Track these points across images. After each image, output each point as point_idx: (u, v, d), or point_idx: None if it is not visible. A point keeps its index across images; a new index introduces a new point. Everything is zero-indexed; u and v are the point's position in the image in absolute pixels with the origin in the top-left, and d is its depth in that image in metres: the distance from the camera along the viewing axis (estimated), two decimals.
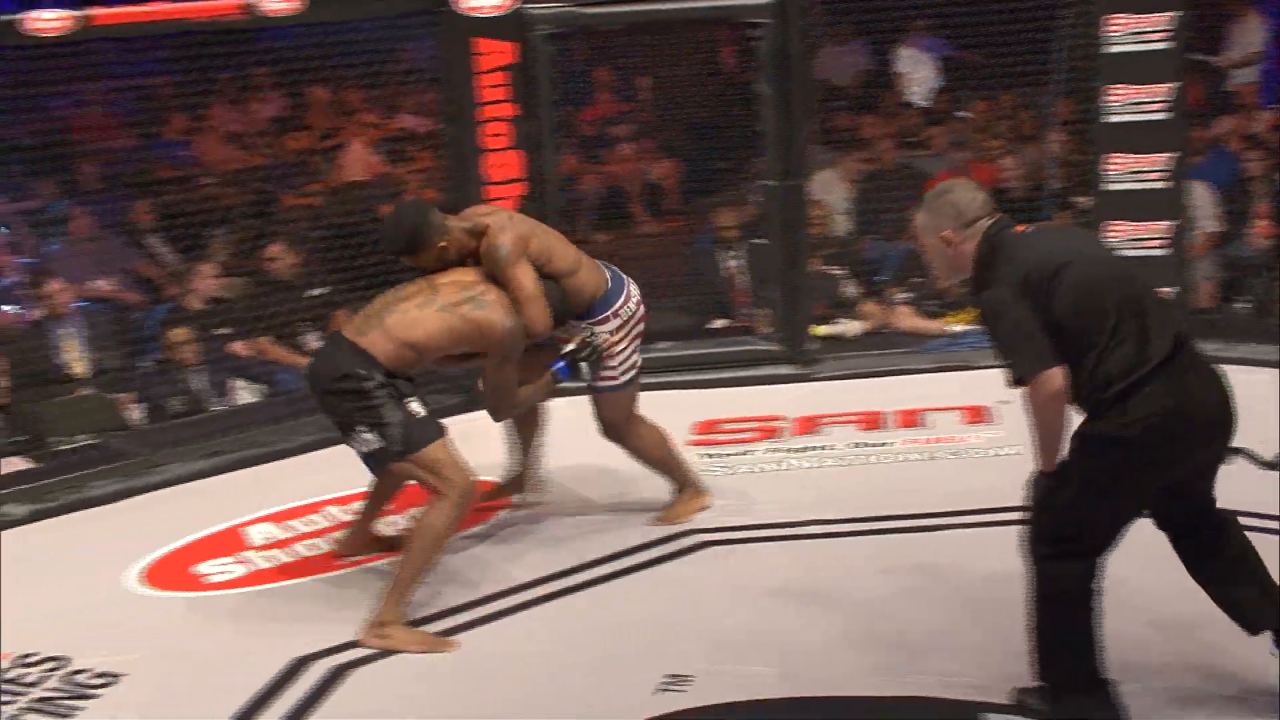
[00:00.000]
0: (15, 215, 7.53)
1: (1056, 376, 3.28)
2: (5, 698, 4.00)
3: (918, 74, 8.26)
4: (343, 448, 5.71)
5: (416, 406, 4.30)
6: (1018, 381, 3.33)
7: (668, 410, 5.97)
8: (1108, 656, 3.49)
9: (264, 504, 5.22)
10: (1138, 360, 3.31)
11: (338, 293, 6.85)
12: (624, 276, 4.79)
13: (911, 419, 5.82)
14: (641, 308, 4.78)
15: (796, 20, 6.07)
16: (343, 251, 6.61)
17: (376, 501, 4.79)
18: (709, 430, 5.82)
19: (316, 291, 6.89)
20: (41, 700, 3.99)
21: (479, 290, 4.39)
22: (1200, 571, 3.59)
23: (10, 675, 4.11)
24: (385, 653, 4.18)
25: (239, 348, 6.59)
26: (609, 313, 4.68)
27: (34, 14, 5.01)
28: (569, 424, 5.98)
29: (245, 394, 6.41)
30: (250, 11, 5.38)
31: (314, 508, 5.20)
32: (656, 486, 5.26)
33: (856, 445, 5.60)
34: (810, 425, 5.83)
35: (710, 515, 5.00)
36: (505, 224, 4.51)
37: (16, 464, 5.43)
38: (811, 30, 6.25)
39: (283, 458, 5.68)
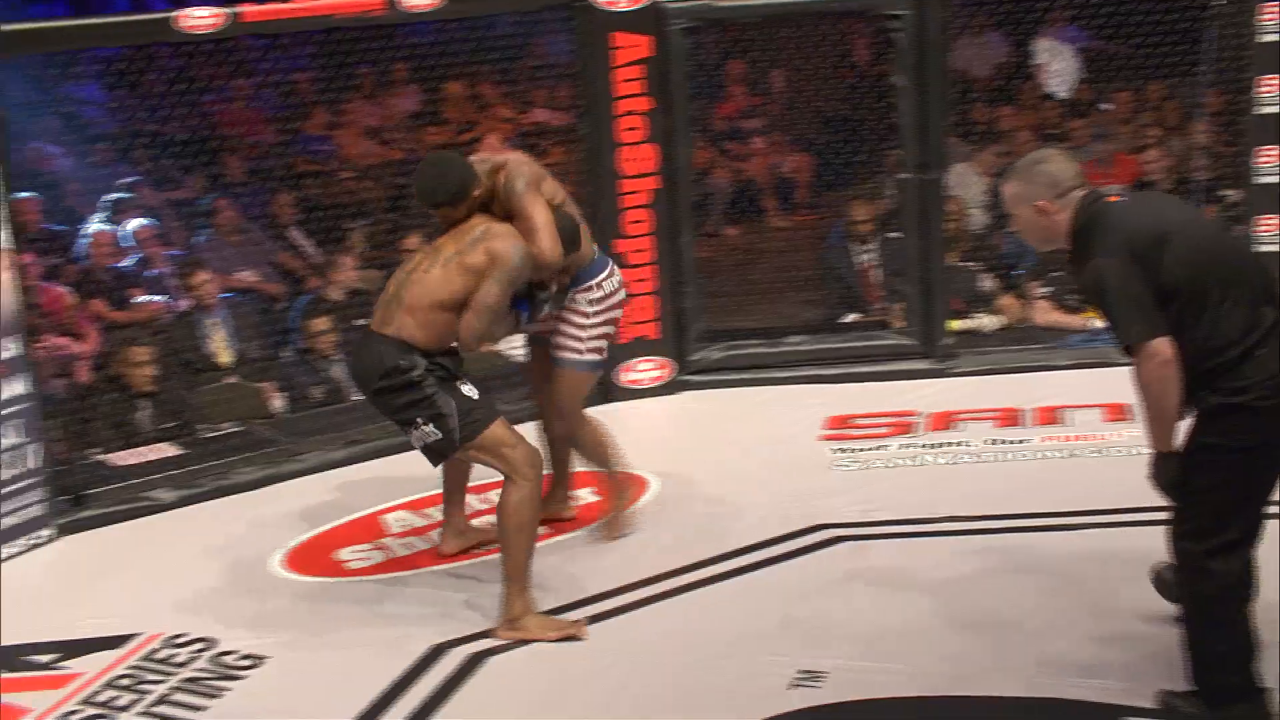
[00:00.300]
0: (166, 207, 7.76)
1: (1165, 345, 3.24)
2: (156, 677, 4.12)
3: (1057, 65, 8.10)
4: None
5: (469, 389, 4.24)
6: (1127, 349, 3.31)
7: (799, 405, 5.98)
8: (1265, 661, 3.40)
9: (401, 492, 5.31)
10: (1249, 325, 3.26)
11: None
12: (610, 259, 4.73)
13: (1051, 416, 5.71)
14: (622, 293, 4.68)
15: (935, 11, 6.00)
16: None
17: (454, 493, 4.78)
18: (841, 425, 5.78)
19: None
20: (190, 680, 4.11)
21: (481, 229, 4.27)
22: None
23: (161, 655, 4.24)
24: (522, 640, 4.23)
25: None
26: (591, 282, 4.59)
27: (187, 12, 5.14)
28: (688, 417, 6.01)
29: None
30: (392, 7, 5.46)
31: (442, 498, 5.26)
32: (786, 481, 5.25)
33: (993, 442, 5.52)
34: (945, 421, 5.76)
35: (844, 510, 4.97)
36: (522, 160, 4.47)
37: (165, 450, 5.59)
38: (950, 21, 6.16)
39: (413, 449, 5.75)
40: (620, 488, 4.92)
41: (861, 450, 5.52)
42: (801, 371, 6.28)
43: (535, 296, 4.43)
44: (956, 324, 6.50)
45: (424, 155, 8.54)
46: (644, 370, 6.15)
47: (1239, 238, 3.51)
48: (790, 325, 6.62)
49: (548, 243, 4.30)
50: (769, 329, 6.54)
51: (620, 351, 6.10)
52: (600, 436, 4.84)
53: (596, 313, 4.60)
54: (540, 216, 4.31)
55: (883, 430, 5.71)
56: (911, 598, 4.35)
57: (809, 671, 3.94)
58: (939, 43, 6.05)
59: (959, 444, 5.54)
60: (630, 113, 5.90)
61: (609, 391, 6.12)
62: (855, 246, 7.03)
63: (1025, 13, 7.45)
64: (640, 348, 6.13)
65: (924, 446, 5.53)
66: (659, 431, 6.04)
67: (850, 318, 6.96)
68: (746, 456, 5.52)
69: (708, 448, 5.68)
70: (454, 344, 4.30)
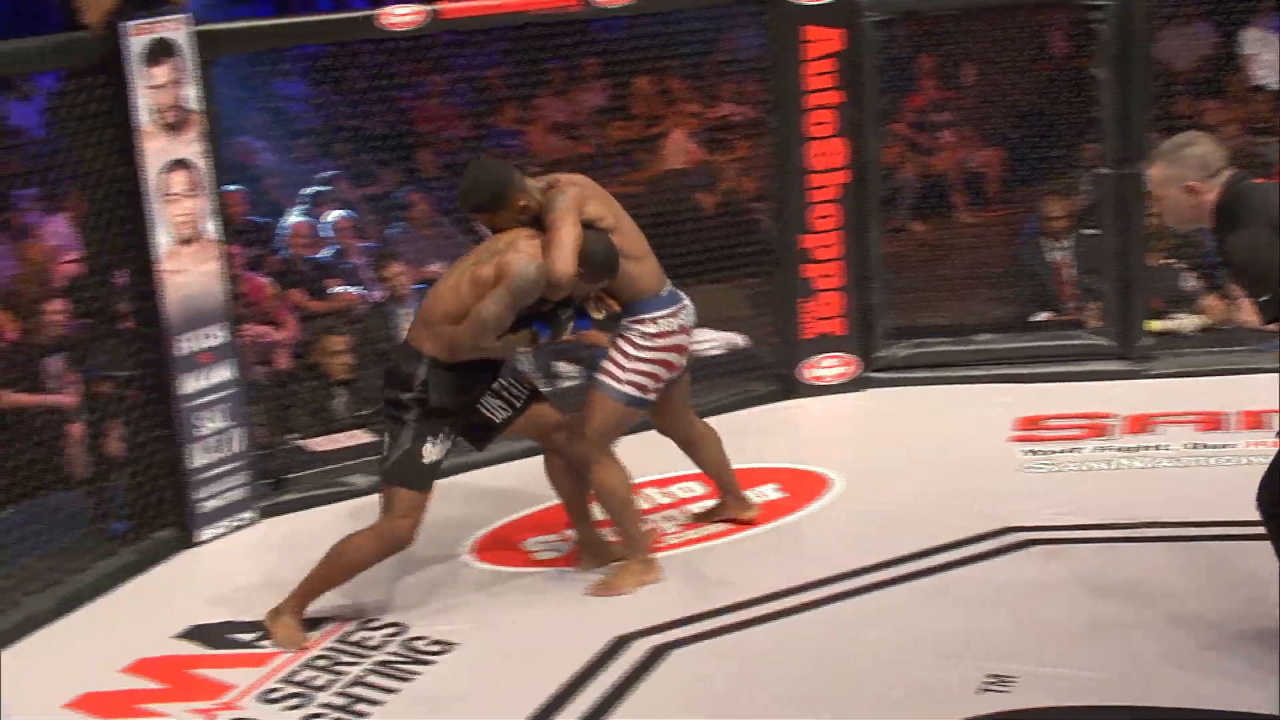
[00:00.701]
0: (362, 201, 7.98)
1: None
2: (350, 659, 4.25)
3: (1267, 56, 7.77)
4: (655, 432, 5.87)
5: (430, 450, 4.23)
6: (1270, 320, 3.33)
7: (987, 405, 5.86)
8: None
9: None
10: None
11: None
12: (684, 299, 4.49)
13: (1256, 420, 5.49)
14: (682, 339, 4.45)
15: (1140, 1, 5.80)
16: (661, 240, 6.70)
17: (575, 508, 4.67)
18: (1032, 426, 5.64)
19: None
20: (382, 663, 4.22)
21: (506, 241, 4.21)
22: None
23: (355, 638, 4.36)
24: (705, 634, 4.23)
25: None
26: (647, 315, 4.39)
27: (389, 9, 5.27)
28: (873, 414, 5.94)
29: (567, 379, 6.59)
30: (586, 3, 5.51)
31: (634, 489, 5.28)
32: (975, 482, 5.15)
33: (1194, 446, 5.33)
34: (1143, 424, 5.58)
35: (1035, 513, 4.86)
36: (576, 181, 4.35)
37: (360, 436, 5.73)
38: (1155, 11, 5.96)
39: None
40: (602, 546, 4.65)
41: (1054, 452, 5.39)
42: (991, 370, 6.15)
43: (559, 316, 4.30)
44: (1155, 324, 6.29)
45: (608, 149, 8.66)
46: (828, 367, 6.10)
47: None
48: (980, 323, 6.48)
49: (560, 260, 4.15)
50: (957, 326, 6.42)
51: (805, 347, 6.05)
52: (617, 483, 4.50)
53: (646, 348, 4.38)
54: (564, 233, 4.17)
55: (1076, 432, 5.55)
56: (1105, 604, 4.24)
57: (998, 676, 3.87)
58: (1143, 33, 5.85)
59: (1157, 448, 5.36)
60: (820, 107, 5.85)
61: (791, 388, 6.08)
62: (1049, 243, 6.85)
63: (1235, 1, 7.15)
64: (825, 344, 6.07)
65: (1120, 450, 5.37)
66: (842, 429, 5.98)
67: (1042, 316, 6.79)
68: (933, 456, 5.43)
69: (893, 446, 5.60)
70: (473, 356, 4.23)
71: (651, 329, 4.39)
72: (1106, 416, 5.69)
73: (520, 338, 4.28)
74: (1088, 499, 4.96)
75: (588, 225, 4.27)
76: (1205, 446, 5.32)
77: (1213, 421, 5.53)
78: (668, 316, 4.41)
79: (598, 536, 4.70)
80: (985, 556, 4.62)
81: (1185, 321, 6.46)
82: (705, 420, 4.92)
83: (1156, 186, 3.65)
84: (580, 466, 4.50)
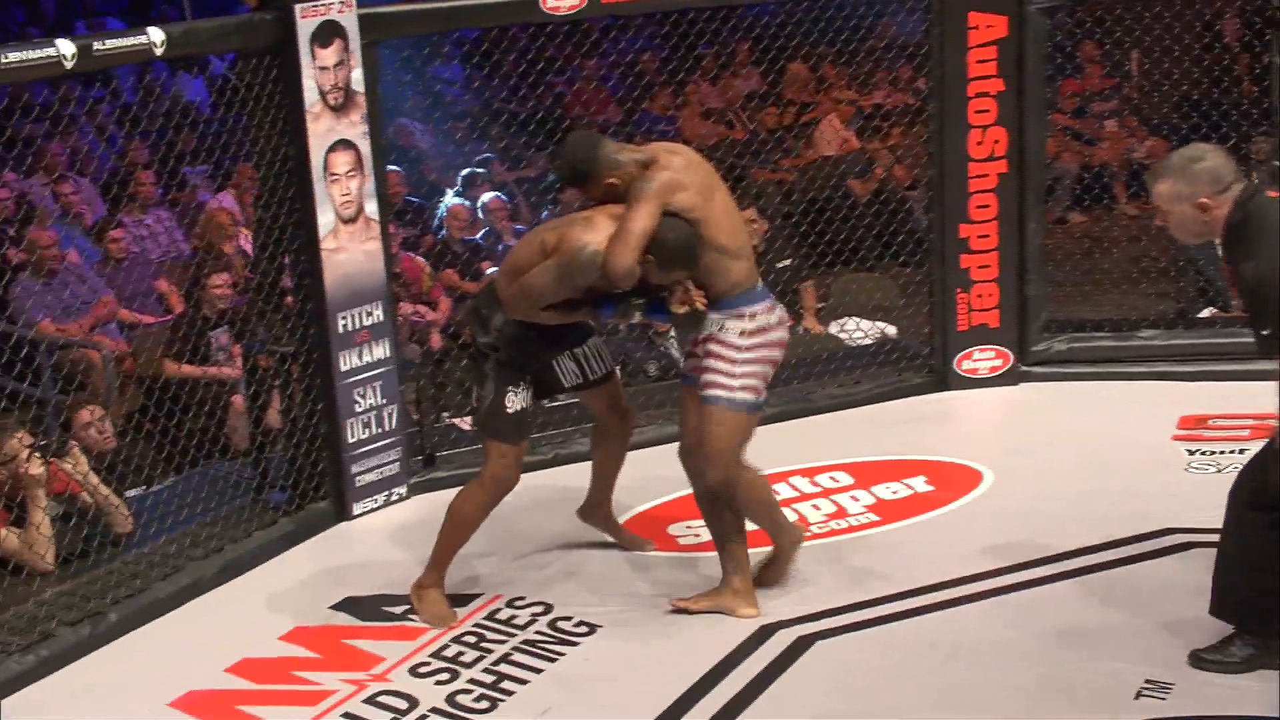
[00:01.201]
0: (515, 183, 8.07)
1: None
2: (498, 637, 4.30)
3: None
4: (810, 419, 5.86)
5: (513, 400, 4.20)
6: (1267, 354, 3.37)
7: (1148, 402, 5.70)
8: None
9: None
10: None
11: (804, 266, 6.91)
12: (771, 297, 4.17)
13: None
14: (782, 334, 4.15)
15: None
16: (812, 226, 6.67)
17: (600, 480, 4.67)
18: (1196, 425, 5.48)
19: (784, 263, 6.98)
20: (529, 642, 4.26)
21: (586, 216, 4.07)
22: None
23: (502, 616, 4.42)
24: (850, 626, 4.20)
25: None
26: (745, 310, 4.08)
27: None
28: (1028, 409, 5.81)
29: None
30: None
31: (781, 477, 5.27)
32: (1134, 481, 5.01)
33: None
34: None
35: (1198, 515, 4.70)
36: (672, 166, 4.02)
37: None
38: None
39: None
40: (787, 553, 4.44)
41: (1219, 453, 5.22)
42: (1153, 367, 5.97)
43: (629, 300, 4.09)
44: None
45: (760, 135, 8.62)
46: (982, 359, 5.99)
47: None
48: (1142, 318, 6.31)
49: (619, 250, 3.90)
50: (1118, 321, 6.26)
51: (959, 339, 5.96)
52: (762, 492, 4.32)
53: (748, 346, 4.08)
54: (634, 222, 3.92)
55: (1243, 433, 5.37)
56: None
57: (1156, 682, 3.77)
58: None
59: None
60: (982, 94, 5.74)
61: (944, 379, 5.99)
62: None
63: None
64: (980, 336, 5.97)
65: None
66: (996, 422, 5.87)
67: (1207, 312, 6.58)
68: (1091, 453, 5.30)
69: (1048, 442, 5.48)
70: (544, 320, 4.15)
71: (750, 325, 4.09)
72: (1275, 417, 5.48)
73: (576, 315, 4.16)
74: None
75: (673, 215, 4.00)
76: None
77: None
78: (765, 312, 4.12)
79: (605, 501, 4.71)
80: (1143, 558, 4.50)
81: None
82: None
83: (1165, 202, 3.63)
84: (719, 493, 4.25)
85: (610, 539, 4.80)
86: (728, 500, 4.26)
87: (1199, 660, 3.82)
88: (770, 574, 4.47)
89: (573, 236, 4.01)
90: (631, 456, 5.40)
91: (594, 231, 4.00)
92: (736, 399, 4.11)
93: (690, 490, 4.93)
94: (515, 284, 4.11)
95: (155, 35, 4.42)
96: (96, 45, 4.29)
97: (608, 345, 4.59)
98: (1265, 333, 3.48)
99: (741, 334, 4.08)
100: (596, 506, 4.75)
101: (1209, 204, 3.57)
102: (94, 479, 4.93)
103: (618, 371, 4.61)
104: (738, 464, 4.21)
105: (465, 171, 8.14)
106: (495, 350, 4.19)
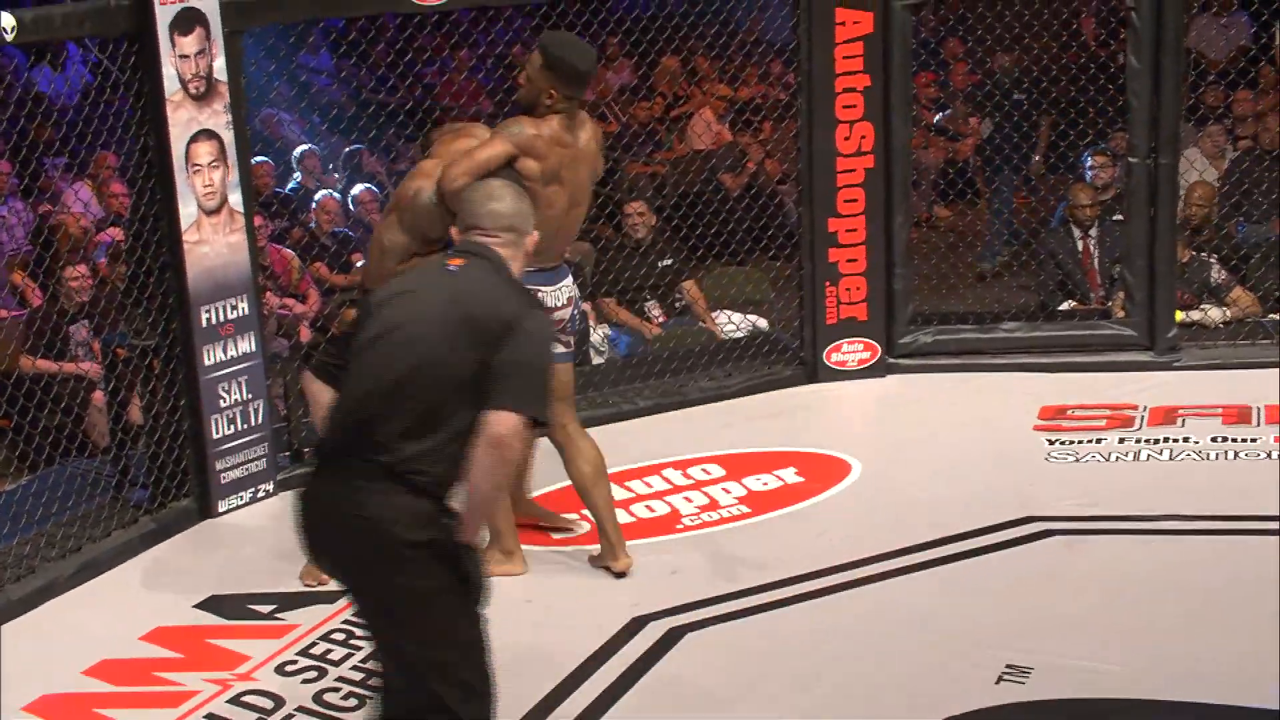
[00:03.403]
0: (387, 175, 7.97)
1: None
2: (368, 633, 4.23)
3: None
4: (683, 412, 5.89)
5: None
6: None
7: (1011, 393, 5.83)
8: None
9: (607, 464, 5.32)
10: None
11: (680, 262, 6.94)
12: (546, 289, 4.29)
13: None
14: (571, 310, 4.40)
15: None
16: (684, 221, 6.69)
17: None
18: (1056, 415, 5.61)
19: (666, 263, 7.00)
20: None
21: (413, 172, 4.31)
22: None
23: None
24: (720, 618, 4.22)
25: (588, 310, 6.78)
26: (548, 286, 4.30)
27: None
28: (895, 401, 5.91)
29: (595, 356, 6.58)
30: None
31: (654, 469, 5.29)
32: (996, 471, 5.13)
33: (1219, 440, 5.29)
34: (1167, 416, 5.54)
35: (1057, 503, 4.83)
36: (543, 134, 4.18)
37: None
38: (1191, 2, 5.90)
39: (625, 419, 5.80)
40: (613, 541, 4.53)
41: (1077, 442, 5.36)
42: (1015, 359, 6.11)
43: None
44: (1181, 315, 6.25)
45: (632, 128, 8.62)
46: (851, 352, 6.07)
47: None
48: (1004, 310, 6.45)
49: (455, 169, 4.07)
50: (981, 314, 6.38)
51: (828, 332, 6.03)
52: (595, 456, 4.50)
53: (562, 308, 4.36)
54: (481, 151, 4.11)
55: (1100, 423, 5.52)
56: (1124, 596, 4.22)
57: (1016, 666, 3.85)
58: (1176, 23, 5.79)
59: (1182, 440, 5.32)
60: (849, 90, 5.81)
61: (814, 371, 6.06)
62: (1076, 231, 6.81)
63: None
64: (848, 329, 6.04)
65: (1144, 441, 5.33)
66: (864, 414, 5.96)
67: (1066, 305, 6.75)
68: (955, 443, 5.41)
69: (914, 433, 5.58)
70: None
71: (566, 293, 4.39)
72: (1131, 408, 5.65)
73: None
74: (1110, 490, 4.93)
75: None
76: (1231, 440, 5.28)
77: (1239, 415, 5.49)
78: (557, 289, 4.34)
79: (519, 491, 4.75)
80: (1004, 546, 4.59)
81: (1211, 313, 6.41)
82: (587, 435, 4.61)
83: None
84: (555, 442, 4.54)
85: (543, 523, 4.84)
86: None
87: None
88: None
89: (403, 188, 4.24)
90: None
91: (420, 178, 4.24)
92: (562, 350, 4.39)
93: (564, 485, 4.95)
94: (372, 251, 4.30)
95: (5, 20, 4.28)
96: None
97: None
98: None
99: (560, 301, 4.34)
100: (513, 496, 4.72)
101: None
102: None
103: None
104: (570, 421, 4.49)
105: (334, 163, 8.03)
106: None
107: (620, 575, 4.50)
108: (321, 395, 4.00)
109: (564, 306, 4.38)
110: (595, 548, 4.61)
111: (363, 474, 2.91)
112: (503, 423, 2.86)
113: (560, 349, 4.36)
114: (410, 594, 2.91)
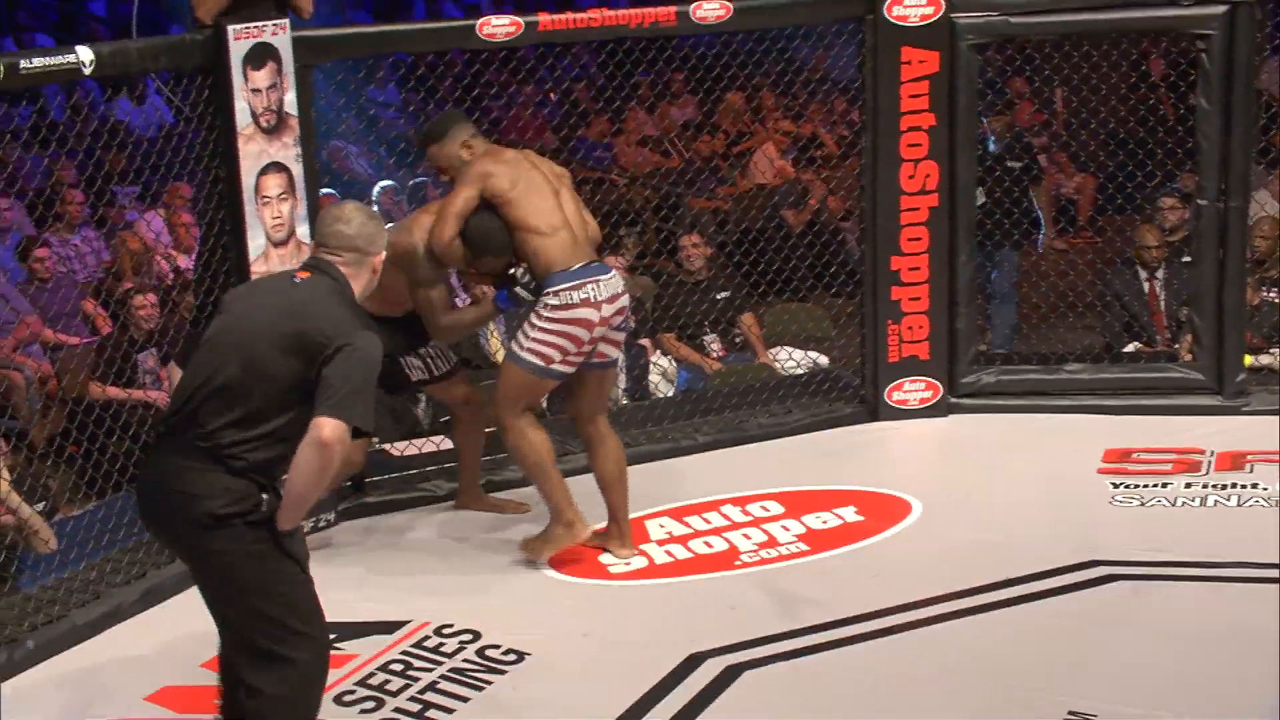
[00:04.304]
0: None
1: None
2: (425, 665, 4.26)
3: None
4: (742, 448, 5.87)
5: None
6: None
7: (1075, 435, 5.77)
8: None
9: (665, 499, 5.33)
10: None
11: (740, 296, 6.95)
12: (599, 275, 4.63)
13: None
14: (585, 313, 4.57)
15: (1246, 31, 5.69)
16: (746, 257, 6.69)
17: (465, 457, 5.28)
18: (1121, 459, 5.55)
19: (722, 295, 7.01)
20: (456, 670, 4.22)
21: (400, 224, 4.78)
22: None
23: (430, 644, 4.38)
24: (778, 656, 4.20)
25: (647, 344, 6.79)
26: (550, 289, 4.58)
27: (489, 19, 5.29)
28: (956, 441, 5.86)
29: (655, 390, 6.58)
30: (684, 19, 5.51)
31: (712, 505, 5.28)
32: (1059, 513, 5.07)
33: None
34: (1236, 461, 5.46)
35: (1121, 547, 4.77)
36: (488, 159, 4.67)
37: (442, 442, 5.74)
38: (1264, 44, 5.84)
39: (684, 454, 5.79)
40: (566, 512, 4.75)
41: (1142, 486, 5.29)
42: (1079, 401, 6.05)
43: (513, 282, 4.66)
44: (1251, 359, 6.16)
45: (695, 163, 8.65)
46: (912, 390, 6.04)
47: None
48: (1068, 352, 6.39)
49: (438, 228, 4.62)
50: (1045, 355, 6.33)
51: (890, 370, 6.00)
52: (534, 454, 4.70)
53: (547, 319, 4.58)
54: (449, 205, 4.63)
55: (1166, 467, 5.45)
56: (1192, 644, 4.15)
57: (1078, 713, 3.80)
58: (1247, 65, 5.74)
59: (1250, 486, 5.24)
60: (914, 128, 5.80)
61: (875, 410, 6.03)
62: (1142, 273, 6.75)
63: None
64: (909, 367, 6.01)
65: (1211, 487, 5.26)
66: (925, 454, 5.92)
67: (1132, 347, 6.68)
68: (1017, 485, 5.36)
69: (976, 474, 5.53)
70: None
71: (554, 301, 4.58)
72: (1198, 452, 5.57)
73: (483, 309, 4.88)
74: (1175, 535, 4.86)
75: (490, 207, 4.62)
76: None
77: None
78: (570, 289, 4.57)
79: (473, 484, 5.30)
80: (1068, 589, 4.54)
81: None
82: (614, 436, 4.89)
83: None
84: (504, 438, 4.79)
85: (492, 513, 5.28)
86: (510, 447, 4.81)
87: None
88: (534, 543, 4.84)
89: (394, 241, 4.40)
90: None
91: (408, 230, 4.71)
92: (521, 357, 4.64)
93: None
94: (421, 302, 4.73)
95: (84, 54, 4.37)
96: (23, 63, 4.23)
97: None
98: None
99: (546, 308, 4.59)
100: (468, 490, 5.31)
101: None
102: (15, 498, 4.84)
103: (467, 362, 5.20)
104: (513, 414, 4.70)
105: (382, 184, 8.08)
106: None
107: (624, 560, 4.82)
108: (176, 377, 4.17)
109: (621, 294, 4.67)
110: (644, 583, 4.58)
111: (187, 453, 3.27)
112: (325, 427, 3.17)
113: (614, 353, 4.79)
114: (220, 556, 3.28)
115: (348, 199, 4.88)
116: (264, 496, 3.27)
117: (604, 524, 4.91)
